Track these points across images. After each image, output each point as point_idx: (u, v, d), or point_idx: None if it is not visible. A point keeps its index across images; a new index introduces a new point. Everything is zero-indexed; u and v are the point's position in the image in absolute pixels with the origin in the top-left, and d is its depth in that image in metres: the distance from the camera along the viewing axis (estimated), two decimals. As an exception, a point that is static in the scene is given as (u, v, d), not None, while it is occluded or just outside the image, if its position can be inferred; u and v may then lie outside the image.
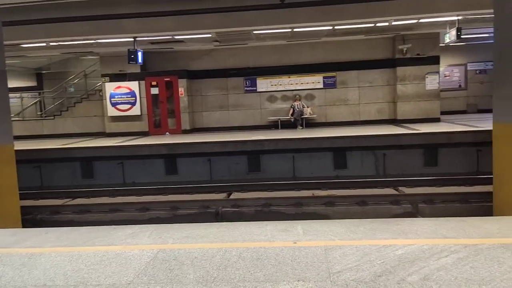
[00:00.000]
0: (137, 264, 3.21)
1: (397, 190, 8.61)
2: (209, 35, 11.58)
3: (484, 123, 10.83)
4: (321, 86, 14.28)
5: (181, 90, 14.12)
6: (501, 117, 5.94)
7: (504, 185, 5.89)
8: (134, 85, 14.20)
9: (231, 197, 8.80)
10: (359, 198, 7.99)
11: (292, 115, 13.92)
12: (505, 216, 4.83)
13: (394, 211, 7.44)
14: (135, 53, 11.27)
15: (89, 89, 15.72)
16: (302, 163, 10.79)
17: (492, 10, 6.27)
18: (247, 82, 14.48)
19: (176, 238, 3.80)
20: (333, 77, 14.18)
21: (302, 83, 14.30)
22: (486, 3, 6.27)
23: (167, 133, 14.30)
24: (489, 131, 6.32)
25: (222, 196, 8.91)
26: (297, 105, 13.93)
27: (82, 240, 3.91)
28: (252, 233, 3.82)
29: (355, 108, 14.25)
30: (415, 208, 7.47)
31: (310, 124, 14.11)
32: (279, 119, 14.13)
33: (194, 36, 11.65)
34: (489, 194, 6.44)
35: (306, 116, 13.92)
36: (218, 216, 7.74)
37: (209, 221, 6.77)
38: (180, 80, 14.12)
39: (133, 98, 14.23)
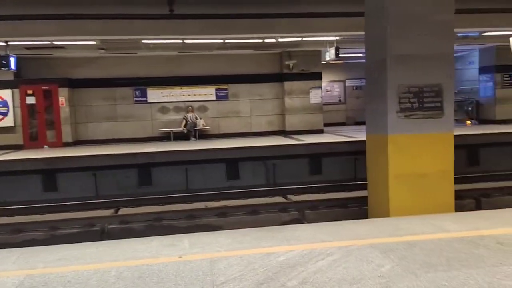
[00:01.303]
0: (-2, 295, 2.82)
1: (286, 198, 8.99)
2: (94, 42, 10.95)
3: (360, 134, 11.90)
4: (213, 98, 14.41)
5: (62, 100, 13.06)
6: (371, 128, 6.59)
7: (375, 190, 6.52)
8: (6, 94, 12.76)
9: (119, 213, 8.33)
10: (251, 208, 8.17)
11: (185, 126, 13.77)
12: (375, 219, 5.33)
13: (283, 219, 7.74)
14: (7, 58, 10.14)
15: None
16: (195, 175, 10.70)
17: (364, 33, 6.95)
18: (137, 93, 13.98)
19: (48, 262, 3.44)
20: (225, 89, 14.43)
21: (194, 95, 14.28)
22: (360, 26, 6.93)
23: (45, 146, 13.07)
24: (364, 141, 6.97)
25: (109, 212, 8.38)
26: (190, 116, 13.84)
27: None
28: (135, 250, 3.63)
29: (247, 120, 14.64)
30: (301, 215, 7.87)
31: (203, 135, 14.11)
32: (172, 130, 13.87)
33: (77, 43, 10.91)
34: (365, 198, 7.07)
35: (199, 127, 13.89)
36: (104, 234, 7.26)
37: (93, 240, 6.31)
38: (60, 89, 13.07)
39: (5, 108, 12.77)
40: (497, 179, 9.77)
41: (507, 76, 15.15)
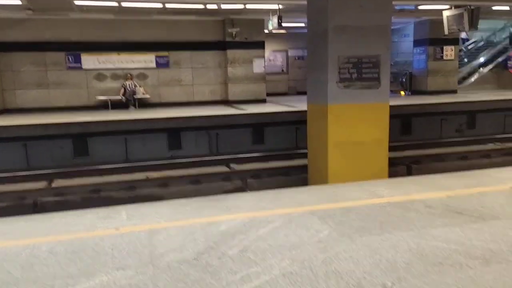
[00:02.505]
0: None
1: (229, 167, 9.02)
2: (19, 2, 9.99)
3: (302, 104, 12.07)
4: (154, 65, 13.86)
5: (-15, 65, 11.97)
6: (312, 98, 6.70)
7: (315, 158, 6.70)
8: None
9: (53, 185, 7.94)
10: (193, 178, 8.14)
11: (123, 94, 13.18)
12: (314, 186, 5.49)
13: (226, 187, 7.79)
14: None
15: None
16: (135, 145, 10.38)
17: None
18: (70, 58, 13.09)
19: (-29, 239, 3.19)
20: (166, 56, 13.91)
21: (133, 62, 13.63)
22: (303, -5, 6.87)
23: (-32, 115, 12.02)
24: (305, 111, 7.08)
25: (42, 184, 7.96)
26: (129, 84, 13.25)
27: None
28: (68, 224, 3.46)
29: (189, 88, 14.30)
30: (244, 183, 7.96)
31: (143, 104, 13.62)
32: (109, 99, 13.23)
33: (0, 2, 9.90)
34: (306, 166, 7.26)
35: (138, 96, 13.37)
36: (36, 208, 6.91)
37: (25, 214, 5.97)
38: (-17, 53, 11.95)
39: None
40: (426, 147, 10.44)
41: (439, 49, 15.97)
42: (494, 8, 13.40)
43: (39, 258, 2.81)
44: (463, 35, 17.73)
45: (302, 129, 9.07)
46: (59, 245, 3.02)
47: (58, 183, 8.03)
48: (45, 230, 3.33)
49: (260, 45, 14.33)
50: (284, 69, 18.44)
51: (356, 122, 6.17)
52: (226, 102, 14.34)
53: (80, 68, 13.24)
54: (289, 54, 18.38)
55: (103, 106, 13.33)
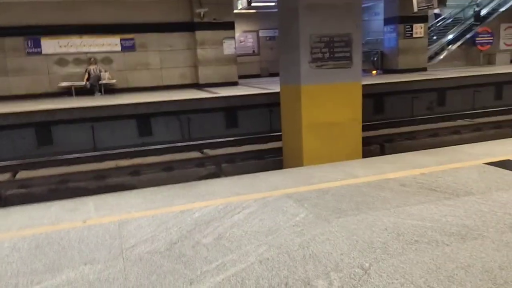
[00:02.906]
0: None
1: (202, 152, 8.85)
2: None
3: (275, 86, 11.95)
4: (119, 48, 13.34)
5: None
6: (285, 79, 6.59)
7: (290, 140, 6.63)
8: None
9: (18, 177, 7.60)
10: (166, 164, 7.94)
11: (88, 80, 12.68)
12: (290, 169, 5.42)
13: (200, 174, 7.63)
14: None
15: None
16: (103, 132, 10.03)
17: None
18: (29, 43, 12.44)
19: None
20: (132, 39, 13.42)
21: (97, 45, 13.07)
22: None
23: None
24: (278, 93, 6.97)
25: (5, 177, 7.61)
26: (93, 69, 12.74)
27: None
28: (32, 218, 3.26)
29: (157, 72, 13.90)
30: (218, 169, 7.82)
31: (110, 90, 13.15)
32: (73, 85, 12.70)
33: None
34: (281, 149, 7.19)
35: (104, 81, 12.89)
36: (1, 202, 6.60)
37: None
38: None
39: None
40: (399, 125, 10.56)
41: (409, 27, 16.03)
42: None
43: (1, 255, 2.63)
44: (436, 11, 17.80)
45: (275, 111, 8.97)
46: (22, 240, 2.84)
47: (22, 174, 7.69)
48: (6, 226, 3.13)
49: (230, 26, 14.00)
50: (255, 50, 18.18)
51: (330, 102, 6.11)
52: (196, 86, 14.03)
53: (40, 53, 12.61)
54: (260, 34, 18.08)
55: (66, 93, 12.79)
